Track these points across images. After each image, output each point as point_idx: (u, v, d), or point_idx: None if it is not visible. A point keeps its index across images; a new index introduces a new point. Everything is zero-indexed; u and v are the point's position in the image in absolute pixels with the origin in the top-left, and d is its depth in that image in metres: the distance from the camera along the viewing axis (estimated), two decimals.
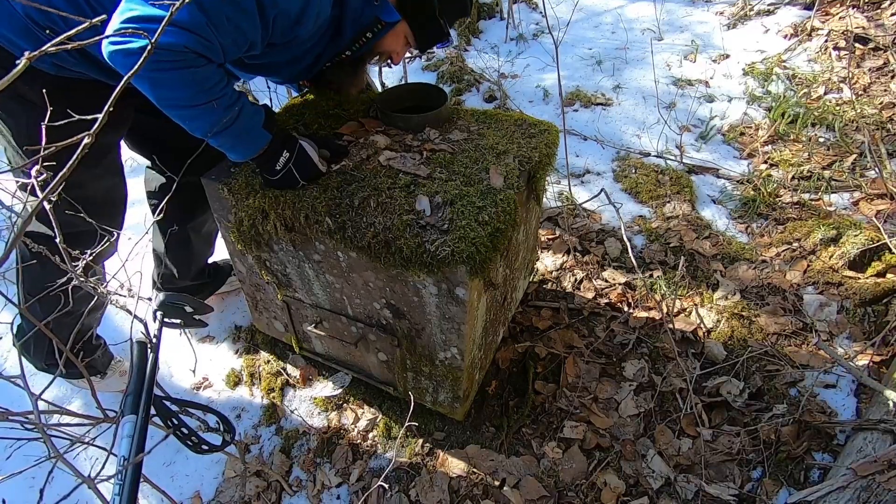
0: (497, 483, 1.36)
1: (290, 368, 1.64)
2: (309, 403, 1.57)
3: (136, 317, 0.86)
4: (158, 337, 0.92)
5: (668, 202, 2.04)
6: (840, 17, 2.87)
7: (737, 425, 1.39)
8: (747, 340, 1.54)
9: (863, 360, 1.42)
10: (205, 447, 0.92)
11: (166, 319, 1.00)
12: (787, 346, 1.52)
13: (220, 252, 1.79)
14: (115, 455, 0.77)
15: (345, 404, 1.55)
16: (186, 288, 1.66)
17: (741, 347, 1.52)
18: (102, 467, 0.88)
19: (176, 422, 0.89)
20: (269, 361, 1.66)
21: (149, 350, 0.88)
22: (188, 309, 1.01)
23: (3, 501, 0.68)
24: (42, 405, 0.77)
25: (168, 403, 0.91)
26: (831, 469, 1.18)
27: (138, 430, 0.75)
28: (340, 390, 1.56)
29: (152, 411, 0.83)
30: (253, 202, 1.18)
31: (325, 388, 1.59)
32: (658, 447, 1.38)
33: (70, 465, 0.82)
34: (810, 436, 1.31)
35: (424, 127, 1.29)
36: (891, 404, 1.18)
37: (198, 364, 1.69)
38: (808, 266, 1.70)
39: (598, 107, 2.61)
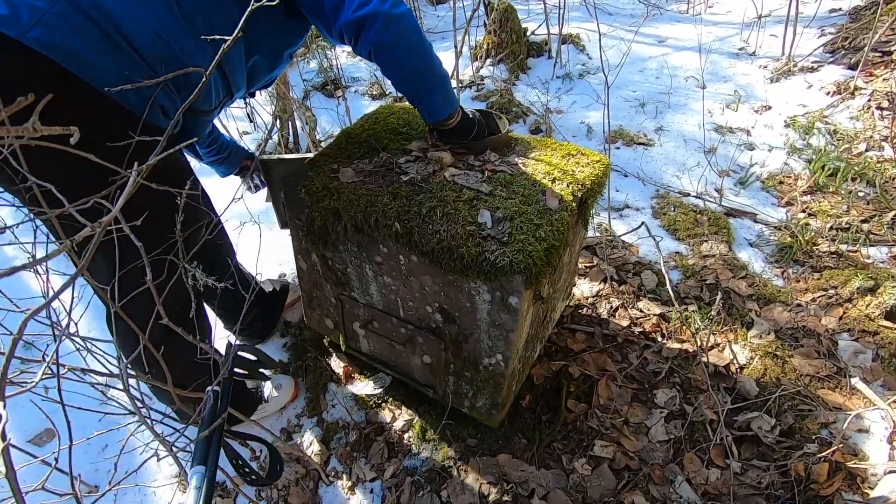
0: (526, 493, 1.41)
1: (334, 365, 1.74)
2: (349, 400, 1.66)
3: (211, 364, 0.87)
4: (227, 388, 0.89)
5: (706, 241, 2.10)
6: (884, 79, 2.94)
7: (766, 460, 1.41)
8: (780, 379, 1.57)
9: None
10: (258, 481, 0.92)
11: (235, 369, 0.98)
12: (820, 389, 1.54)
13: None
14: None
15: (384, 403, 1.63)
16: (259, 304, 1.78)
17: (774, 385, 1.56)
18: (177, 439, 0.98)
19: (239, 460, 0.89)
20: (315, 357, 1.75)
21: (219, 401, 0.85)
22: (256, 360, 1.04)
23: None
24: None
25: (231, 443, 0.90)
26: None
27: (207, 482, 0.74)
28: (381, 390, 1.64)
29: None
30: (328, 204, 1.30)
31: (366, 386, 1.67)
32: (686, 474, 1.41)
33: (154, 431, 0.92)
34: (841, 477, 1.33)
35: (486, 149, 1.41)
36: None
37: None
38: (844, 313, 1.73)
39: (639, 146, 2.70)
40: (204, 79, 0.70)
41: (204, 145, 1.58)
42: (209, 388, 0.86)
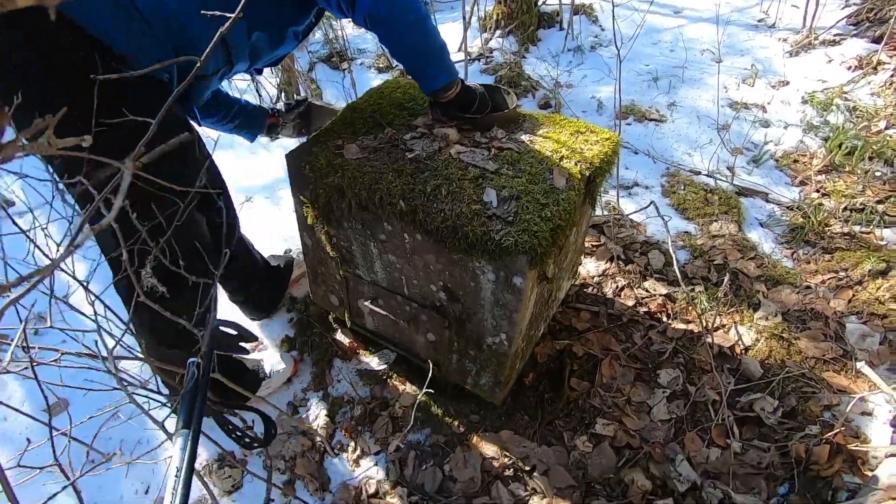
0: (528, 468, 1.43)
1: (339, 341, 1.75)
2: (354, 375, 1.68)
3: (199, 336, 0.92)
4: (209, 358, 0.93)
5: (715, 221, 2.07)
6: None
7: (767, 441, 1.42)
8: (785, 361, 1.57)
9: None
10: (255, 444, 0.99)
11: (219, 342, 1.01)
12: (825, 371, 1.54)
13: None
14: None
15: (388, 379, 1.65)
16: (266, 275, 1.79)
17: (778, 367, 1.55)
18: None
19: (231, 427, 0.95)
20: (321, 333, 1.77)
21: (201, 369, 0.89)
22: (235, 334, 1.07)
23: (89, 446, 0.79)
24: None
25: (223, 412, 0.95)
26: (861, 489, 1.21)
27: (191, 444, 0.79)
28: (385, 365, 1.66)
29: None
30: (332, 181, 1.28)
31: (370, 362, 1.69)
32: (687, 453, 1.42)
33: (137, 403, 0.94)
34: (842, 459, 1.33)
35: (493, 126, 1.38)
36: None
37: (253, 329, 1.81)
38: (854, 296, 1.71)
39: (651, 122, 2.64)
40: (251, 50, 0.68)
41: (215, 118, 1.56)
42: (190, 360, 0.89)
